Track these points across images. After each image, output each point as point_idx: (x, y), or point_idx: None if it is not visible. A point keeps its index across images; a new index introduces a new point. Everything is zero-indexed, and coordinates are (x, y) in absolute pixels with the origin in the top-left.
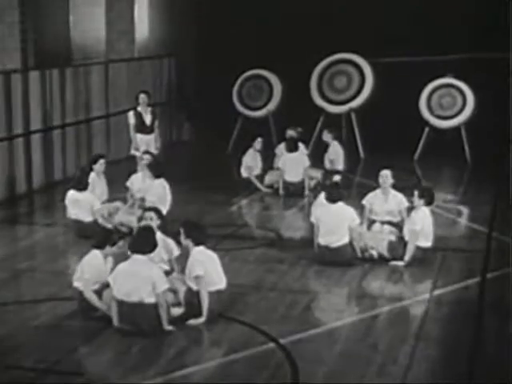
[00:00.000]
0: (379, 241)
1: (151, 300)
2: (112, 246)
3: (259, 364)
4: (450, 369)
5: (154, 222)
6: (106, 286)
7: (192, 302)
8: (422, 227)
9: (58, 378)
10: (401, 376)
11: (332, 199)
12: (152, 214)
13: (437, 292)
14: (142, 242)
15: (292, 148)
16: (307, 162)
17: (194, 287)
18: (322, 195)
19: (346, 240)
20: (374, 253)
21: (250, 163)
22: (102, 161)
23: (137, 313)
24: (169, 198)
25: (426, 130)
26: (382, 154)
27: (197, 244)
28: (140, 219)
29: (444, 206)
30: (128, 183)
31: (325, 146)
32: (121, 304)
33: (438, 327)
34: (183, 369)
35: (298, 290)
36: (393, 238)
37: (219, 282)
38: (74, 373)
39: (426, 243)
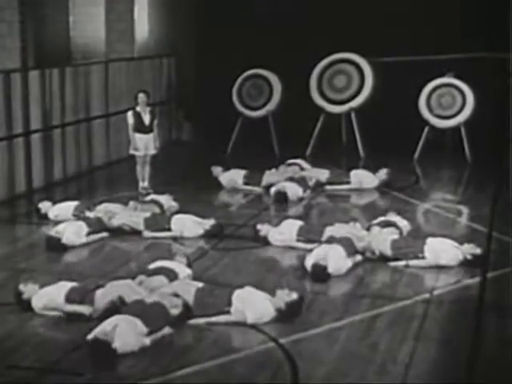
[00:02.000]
0: (382, 240)
1: None
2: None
3: (259, 364)
4: (449, 369)
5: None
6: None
7: (202, 303)
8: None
9: (57, 378)
10: (401, 376)
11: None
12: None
13: (437, 292)
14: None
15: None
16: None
17: (230, 309)
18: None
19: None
20: (376, 252)
21: (228, 178)
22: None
23: None
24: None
25: (426, 129)
26: (382, 153)
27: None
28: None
29: (444, 205)
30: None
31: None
32: None
33: (438, 327)
34: (183, 368)
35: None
36: (395, 236)
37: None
38: (74, 373)
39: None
